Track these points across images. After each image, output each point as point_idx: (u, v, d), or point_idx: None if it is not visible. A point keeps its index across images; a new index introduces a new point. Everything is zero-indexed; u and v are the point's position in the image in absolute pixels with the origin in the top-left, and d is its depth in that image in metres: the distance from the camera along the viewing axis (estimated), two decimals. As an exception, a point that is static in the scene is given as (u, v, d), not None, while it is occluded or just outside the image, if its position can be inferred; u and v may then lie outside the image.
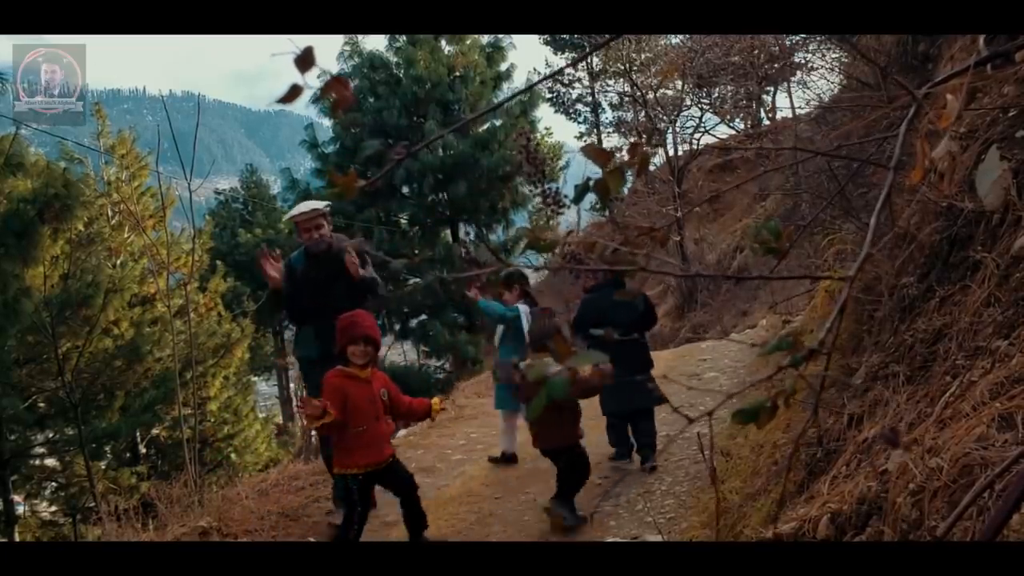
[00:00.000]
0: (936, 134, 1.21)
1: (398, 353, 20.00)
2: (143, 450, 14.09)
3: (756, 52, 17.47)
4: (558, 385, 0.81)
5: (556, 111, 30.47)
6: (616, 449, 5.59)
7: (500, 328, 5.79)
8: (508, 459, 5.90)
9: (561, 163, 24.06)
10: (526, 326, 5.42)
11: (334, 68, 18.90)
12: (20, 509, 12.08)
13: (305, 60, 0.91)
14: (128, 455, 13.85)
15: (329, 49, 19.28)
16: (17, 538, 11.16)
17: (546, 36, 28.54)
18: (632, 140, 25.02)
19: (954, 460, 1.60)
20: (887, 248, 3.10)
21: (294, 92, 0.93)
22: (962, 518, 1.38)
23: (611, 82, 28.25)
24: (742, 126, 24.26)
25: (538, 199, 18.35)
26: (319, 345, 4.75)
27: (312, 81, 0.95)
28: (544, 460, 5.70)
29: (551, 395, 0.82)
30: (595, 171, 1.06)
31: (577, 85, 29.60)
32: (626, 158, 0.99)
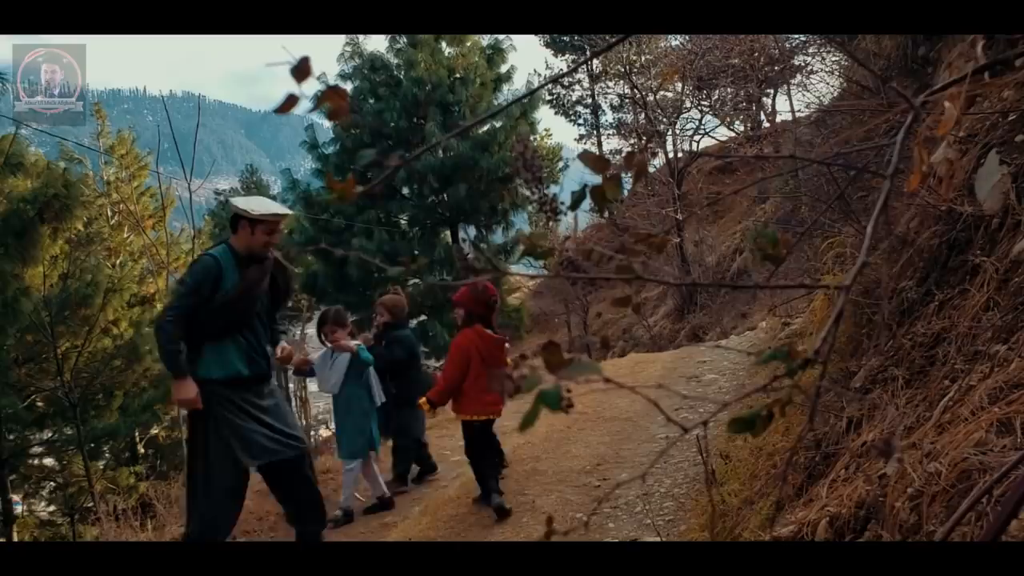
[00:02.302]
0: (934, 140, 1.21)
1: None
2: (142, 450, 14.10)
3: (756, 55, 17.48)
4: (552, 395, 0.80)
5: (556, 113, 30.53)
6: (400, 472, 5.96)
7: (340, 371, 5.26)
8: (348, 518, 5.34)
9: (560, 165, 24.08)
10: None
11: (335, 69, 18.83)
12: (18, 508, 12.08)
13: (301, 71, 0.90)
14: (127, 455, 13.86)
15: (330, 50, 19.31)
16: (15, 537, 11.15)
17: (546, 37, 28.59)
18: (631, 144, 25.00)
19: (952, 465, 1.60)
20: (886, 252, 3.09)
21: (290, 102, 0.93)
22: (960, 523, 1.37)
23: (611, 84, 28.28)
24: (742, 128, 24.26)
25: (535, 206, 18.43)
26: (248, 363, 4.21)
27: (311, 86, 0.95)
28: (542, 462, 5.72)
29: (545, 405, 0.81)
30: (594, 174, 1.06)
31: (577, 87, 29.65)
32: (623, 165, 0.99)
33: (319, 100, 0.95)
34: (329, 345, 5.25)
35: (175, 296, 4.05)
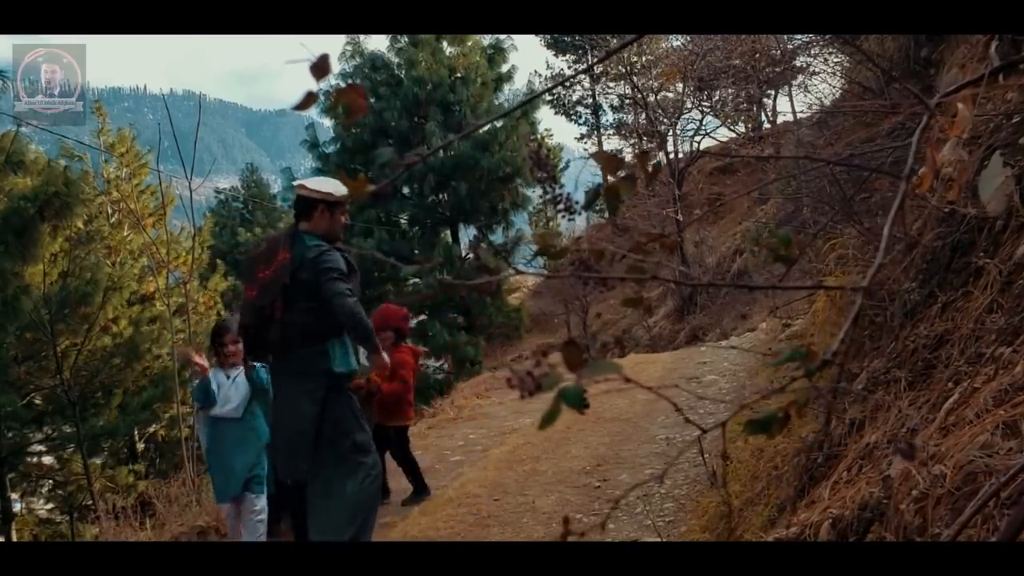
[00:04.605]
0: (944, 142, 1.20)
1: (397, 353, 20.00)
2: (141, 448, 14.08)
3: (757, 56, 17.49)
4: (574, 393, 0.80)
5: (556, 113, 30.56)
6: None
7: (243, 392, 4.49)
8: None
9: (560, 165, 24.07)
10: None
11: (336, 68, 18.94)
12: (17, 507, 12.07)
13: (321, 68, 0.90)
14: (126, 453, 13.84)
15: (330, 49, 19.32)
16: (14, 535, 11.15)
17: (547, 37, 28.61)
18: (632, 143, 25.01)
19: (958, 467, 1.59)
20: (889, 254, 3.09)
21: (309, 99, 0.92)
22: (967, 526, 1.37)
23: (612, 84, 28.31)
24: (743, 129, 24.27)
25: (547, 203, 18.46)
26: (357, 358, 4.18)
27: (312, 85, 0.94)
28: (542, 462, 5.71)
29: (567, 403, 0.80)
30: (595, 172, 1.05)
31: (578, 87, 29.65)
32: (636, 164, 0.98)
33: (336, 98, 0.94)
34: (234, 361, 4.48)
35: (344, 286, 3.79)
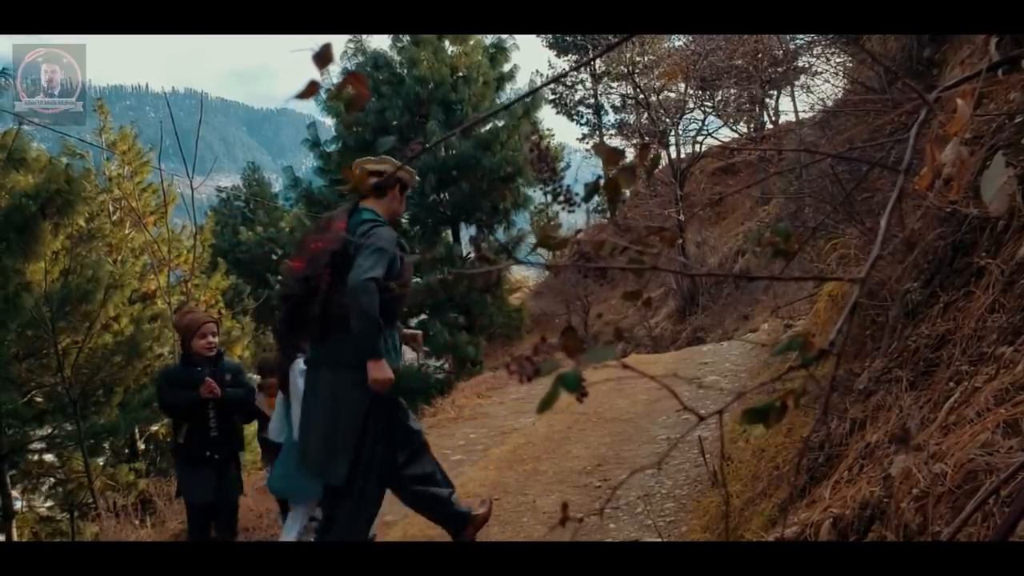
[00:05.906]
0: (944, 139, 1.20)
1: (397, 352, 20.01)
2: (141, 447, 14.11)
3: (759, 56, 17.49)
4: (572, 378, 0.80)
5: (558, 112, 30.58)
6: None
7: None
8: None
9: (562, 164, 24.06)
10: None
11: (337, 67, 18.77)
12: (18, 504, 12.09)
13: (323, 57, 0.91)
14: (127, 451, 13.87)
15: (333, 48, 19.32)
16: (15, 533, 11.16)
17: (549, 37, 28.61)
18: (634, 143, 25.06)
19: (958, 466, 1.60)
20: (891, 253, 3.09)
21: (311, 88, 0.93)
22: (967, 524, 1.37)
23: (614, 84, 28.32)
24: (745, 129, 24.28)
25: (548, 197, 18.41)
26: (400, 355, 3.82)
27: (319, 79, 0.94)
28: (542, 462, 5.71)
29: (565, 388, 0.80)
30: (596, 170, 1.05)
31: (580, 87, 29.66)
32: (635, 158, 0.98)
33: (339, 86, 0.95)
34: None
35: (370, 261, 3.33)
